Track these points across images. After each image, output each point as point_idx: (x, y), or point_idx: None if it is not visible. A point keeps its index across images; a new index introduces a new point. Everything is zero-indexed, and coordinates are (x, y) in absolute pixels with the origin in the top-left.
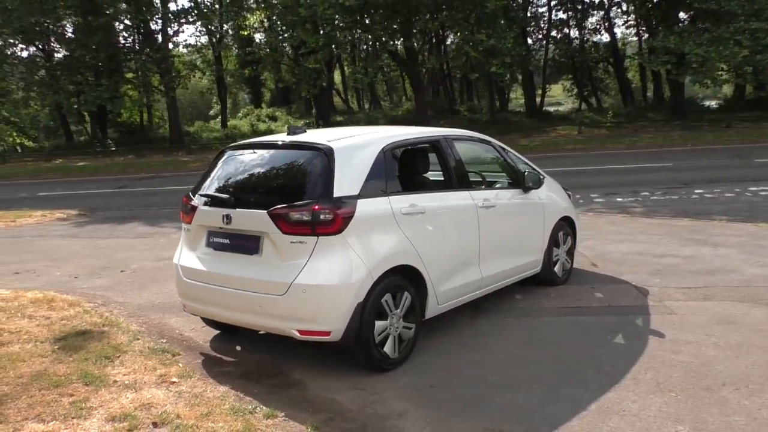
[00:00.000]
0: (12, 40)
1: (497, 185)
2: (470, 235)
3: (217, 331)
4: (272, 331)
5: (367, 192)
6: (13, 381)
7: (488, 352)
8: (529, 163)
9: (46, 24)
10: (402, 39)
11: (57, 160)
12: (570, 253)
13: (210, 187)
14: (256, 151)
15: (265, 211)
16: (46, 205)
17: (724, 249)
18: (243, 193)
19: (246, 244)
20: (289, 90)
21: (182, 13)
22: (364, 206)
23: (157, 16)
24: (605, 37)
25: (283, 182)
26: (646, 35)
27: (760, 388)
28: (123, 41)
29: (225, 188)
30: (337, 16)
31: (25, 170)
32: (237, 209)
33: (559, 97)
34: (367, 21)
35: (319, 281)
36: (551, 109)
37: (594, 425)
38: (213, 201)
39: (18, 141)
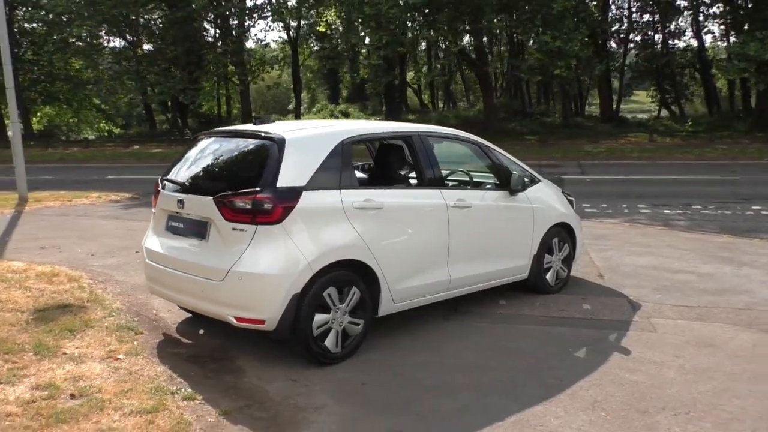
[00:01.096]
0: (96, 31)
1: (481, 186)
2: (438, 235)
3: (189, 314)
4: (214, 317)
5: (316, 184)
6: None
7: (443, 355)
8: (524, 166)
9: (133, 18)
10: (470, 39)
11: (134, 146)
12: (567, 261)
13: (174, 172)
14: (221, 138)
15: (212, 198)
16: (110, 187)
17: (748, 269)
18: (198, 179)
19: (196, 229)
20: (364, 87)
21: (256, 8)
22: (309, 198)
23: (233, 11)
24: (693, 42)
25: (235, 170)
26: (733, 40)
27: (701, 416)
28: (205, 34)
29: (184, 173)
30: (401, 15)
31: (103, 155)
32: (189, 194)
33: (647, 104)
34: (432, 19)
35: (255, 270)
36: (629, 115)
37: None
38: (171, 186)
39: (107, 128)
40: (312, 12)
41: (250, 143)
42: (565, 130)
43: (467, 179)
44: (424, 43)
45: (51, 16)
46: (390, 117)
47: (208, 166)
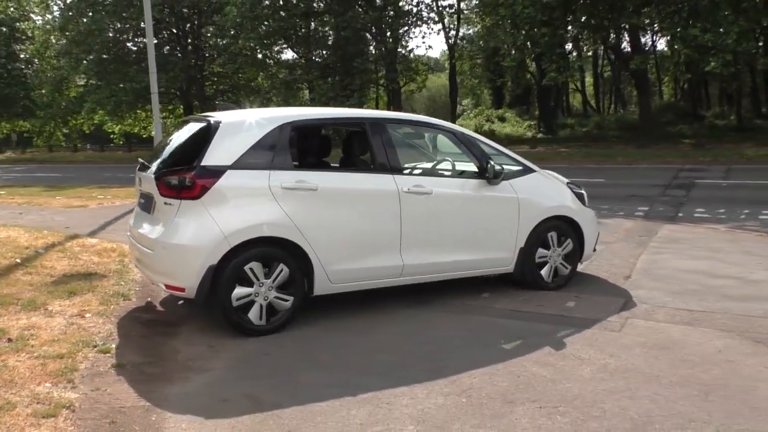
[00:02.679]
0: (253, 44)
1: (452, 174)
2: (387, 220)
3: None
4: (154, 283)
5: (243, 164)
6: None
7: (367, 338)
8: (514, 155)
9: (296, 30)
10: (615, 36)
11: None
12: (570, 257)
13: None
14: (186, 123)
15: (153, 175)
16: None
17: None
18: (154, 159)
19: (148, 204)
20: (527, 91)
21: (411, 14)
22: (232, 177)
23: (388, 16)
24: None
25: (179, 150)
26: None
27: (566, 412)
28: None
29: (152, 155)
30: (537, 14)
31: None
32: (144, 173)
33: None
34: (568, 19)
35: (174, 240)
36: None
37: (340, 408)
38: (140, 166)
39: None
40: (472, 16)
41: (198, 127)
42: (737, 133)
43: (447, 167)
44: (569, 44)
45: (223, 29)
46: (543, 121)
47: (165, 147)
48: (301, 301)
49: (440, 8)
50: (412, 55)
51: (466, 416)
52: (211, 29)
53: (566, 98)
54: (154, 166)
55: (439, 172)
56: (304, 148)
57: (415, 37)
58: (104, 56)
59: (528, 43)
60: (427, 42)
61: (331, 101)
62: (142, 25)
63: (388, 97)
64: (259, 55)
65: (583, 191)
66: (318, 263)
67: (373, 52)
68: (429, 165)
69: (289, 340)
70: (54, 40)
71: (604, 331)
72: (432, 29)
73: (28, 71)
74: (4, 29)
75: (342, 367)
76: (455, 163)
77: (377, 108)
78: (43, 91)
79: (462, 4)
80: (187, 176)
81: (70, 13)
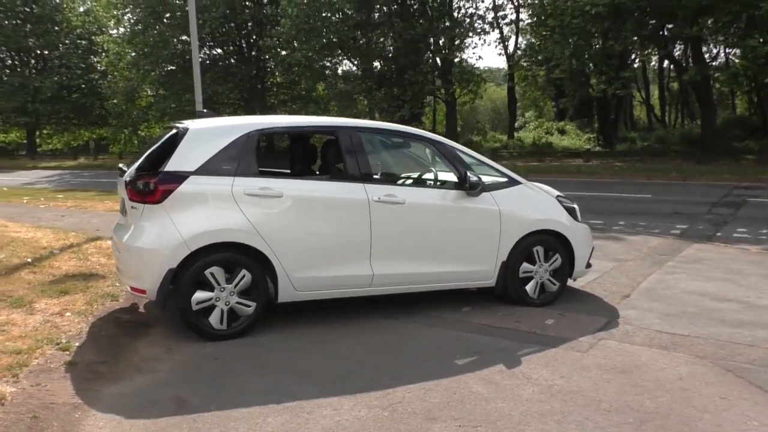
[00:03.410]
0: (309, 55)
1: (429, 184)
2: (356, 229)
3: None
4: (123, 285)
5: (207, 170)
6: None
7: (329, 346)
8: (499, 167)
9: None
10: (668, 47)
11: None
12: (558, 273)
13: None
14: (164, 130)
15: (125, 180)
16: None
17: None
18: (131, 164)
19: (123, 209)
20: (590, 104)
21: (462, 25)
22: (194, 182)
23: (444, 25)
24: None
25: (150, 156)
26: None
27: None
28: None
29: (131, 161)
30: (585, 25)
31: None
32: (121, 178)
33: None
34: (618, 29)
35: (137, 243)
36: None
37: (258, 415)
38: (119, 171)
39: None
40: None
41: (171, 133)
42: None
43: (429, 177)
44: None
45: (279, 41)
46: (602, 134)
47: (141, 153)
48: (264, 308)
49: (497, 18)
50: (465, 65)
51: (379, 431)
52: (268, 41)
53: (630, 111)
54: (129, 172)
55: (416, 182)
56: (291, 155)
57: (470, 47)
58: (169, 68)
59: (577, 54)
60: (481, 52)
61: (383, 111)
62: (203, 37)
63: (446, 109)
64: (316, 66)
65: (574, 205)
66: (282, 270)
67: (430, 62)
68: (408, 174)
69: (246, 346)
70: (125, 53)
71: (570, 351)
72: (484, 40)
73: (103, 82)
74: (83, 42)
75: (286, 375)
76: (439, 173)
77: (434, 119)
78: (115, 101)
79: (522, 14)
80: (150, 181)
81: (138, 27)
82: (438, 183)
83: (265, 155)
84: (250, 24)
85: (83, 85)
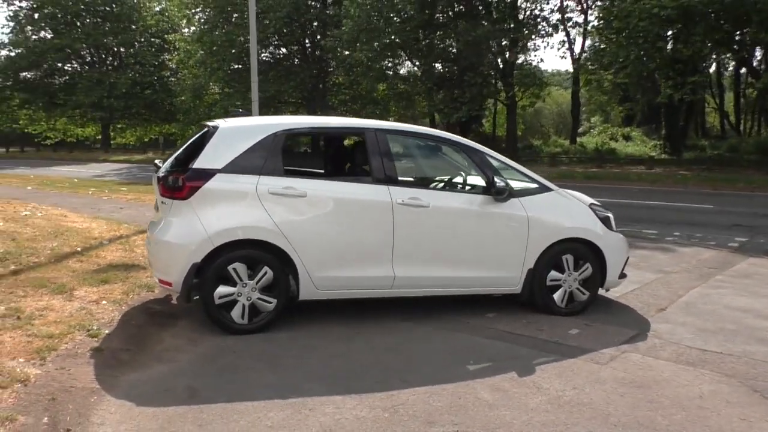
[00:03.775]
0: (369, 56)
1: (457, 188)
2: (378, 231)
3: None
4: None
5: (234, 168)
6: (25, 276)
7: (341, 346)
8: (529, 173)
9: (424, 42)
10: (737, 52)
11: None
12: (589, 283)
13: None
14: (197, 129)
15: (157, 176)
16: None
17: None
18: (166, 161)
19: (157, 204)
20: (659, 109)
21: (527, 26)
22: (220, 180)
23: (506, 29)
24: None
25: (183, 154)
26: None
27: None
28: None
29: (166, 158)
30: (652, 28)
31: None
32: (156, 174)
33: None
34: (687, 32)
35: (163, 237)
36: None
37: (261, 409)
38: (155, 167)
39: None
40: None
41: (203, 132)
42: None
43: (458, 181)
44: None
45: (340, 42)
46: (670, 141)
47: (176, 151)
48: (285, 305)
49: (563, 19)
50: (527, 67)
51: (380, 429)
52: (330, 41)
53: (702, 118)
54: (162, 168)
55: (442, 185)
56: (320, 156)
57: (532, 50)
58: (235, 66)
59: (642, 58)
60: (543, 55)
61: (440, 113)
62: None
63: (506, 112)
64: (377, 66)
65: (609, 214)
66: (303, 268)
67: (491, 64)
68: (435, 178)
69: (264, 341)
70: (194, 51)
71: (588, 362)
72: (547, 42)
73: (174, 79)
74: (156, 41)
75: (297, 372)
76: (467, 178)
77: (494, 121)
78: (183, 98)
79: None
80: (179, 177)
81: (206, 27)
82: (465, 187)
83: (293, 155)
84: (315, 24)
85: (155, 82)
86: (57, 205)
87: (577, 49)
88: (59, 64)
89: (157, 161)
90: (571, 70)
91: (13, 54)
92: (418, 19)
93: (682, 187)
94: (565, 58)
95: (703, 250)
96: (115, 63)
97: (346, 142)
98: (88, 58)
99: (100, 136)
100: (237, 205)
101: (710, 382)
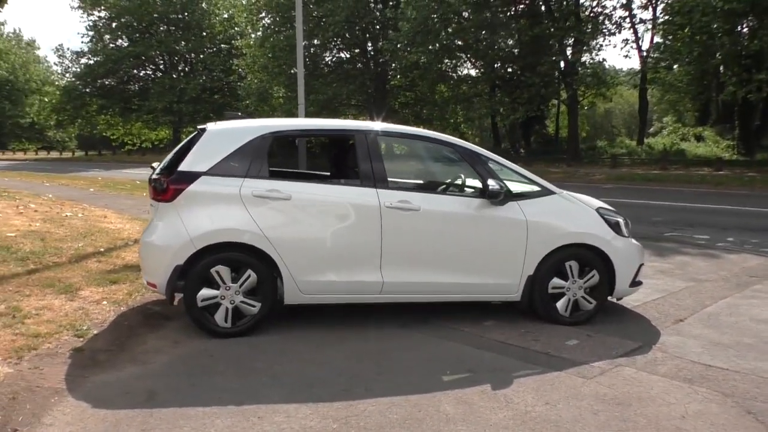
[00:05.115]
0: (425, 58)
1: (450, 191)
2: (366, 235)
3: None
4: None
5: (218, 171)
6: (41, 275)
7: (320, 352)
8: (531, 176)
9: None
10: None
11: None
12: (596, 291)
13: None
14: (191, 132)
15: (149, 178)
16: None
17: None
18: (159, 165)
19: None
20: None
21: (592, 23)
22: (204, 182)
23: (566, 28)
24: None
25: (174, 157)
26: None
27: None
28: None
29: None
30: (716, 22)
31: None
32: (149, 177)
33: None
34: (755, 26)
35: (149, 239)
36: None
37: (210, 415)
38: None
39: None
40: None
41: (194, 134)
42: None
43: (457, 184)
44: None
45: (397, 44)
46: (743, 141)
47: (169, 154)
48: (269, 308)
49: (631, 16)
50: (590, 66)
51: None
52: (386, 44)
53: None
54: (156, 171)
55: (435, 188)
56: (313, 157)
57: (595, 48)
58: (295, 70)
59: (706, 54)
60: (605, 54)
61: (497, 114)
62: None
63: (568, 113)
64: (434, 68)
65: (619, 219)
66: (287, 272)
67: (550, 64)
68: (428, 181)
69: (243, 345)
70: (260, 56)
71: (573, 376)
72: (609, 41)
73: (241, 84)
74: (225, 46)
75: (262, 377)
76: (463, 180)
77: (557, 122)
78: (248, 102)
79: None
80: (164, 180)
81: (269, 31)
82: (459, 190)
83: (280, 157)
84: (377, 27)
85: (223, 87)
86: (107, 206)
87: (643, 46)
88: (134, 71)
89: (154, 164)
90: (635, 68)
91: (91, 62)
92: (475, 20)
93: (748, 190)
94: (630, 57)
95: (751, 257)
96: (186, 69)
97: (336, 143)
98: (161, 65)
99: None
100: (220, 208)
101: (701, 401)
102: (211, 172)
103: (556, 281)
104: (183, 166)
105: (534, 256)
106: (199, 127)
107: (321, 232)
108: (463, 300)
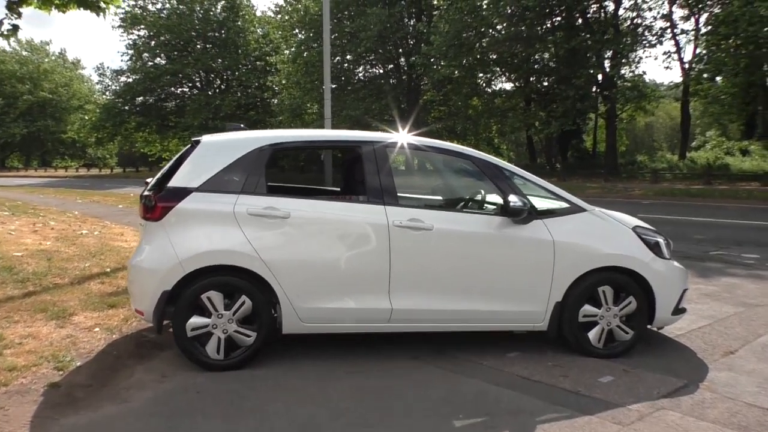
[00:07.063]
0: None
1: (468, 208)
2: (373, 257)
3: None
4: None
5: (211, 186)
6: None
7: (319, 388)
8: (560, 192)
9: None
10: None
11: None
12: (634, 320)
13: None
14: (186, 146)
15: (140, 195)
16: None
17: None
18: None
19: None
20: None
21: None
22: (195, 200)
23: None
24: None
25: (167, 172)
26: None
27: None
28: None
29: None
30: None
31: None
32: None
33: None
34: None
35: (134, 262)
36: None
37: None
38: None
39: None
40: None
41: (188, 147)
42: None
43: (465, 201)
44: None
45: (430, 58)
46: None
47: (163, 169)
48: (266, 338)
49: (672, 26)
50: (629, 78)
51: None
52: (417, 58)
53: None
54: (148, 187)
55: (450, 205)
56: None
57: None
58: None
59: (753, 65)
60: (645, 66)
61: (531, 127)
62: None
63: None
64: (467, 82)
65: (660, 239)
66: (285, 298)
67: (586, 77)
68: (443, 197)
69: (234, 380)
70: (293, 71)
71: (607, 422)
72: (650, 53)
73: (275, 100)
74: (259, 63)
75: (251, 418)
76: (482, 197)
77: (594, 136)
78: (281, 118)
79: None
80: (151, 197)
81: (302, 47)
82: (477, 207)
83: (280, 171)
84: (410, 41)
85: (258, 104)
86: (129, 223)
87: (685, 57)
88: (171, 88)
89: (148, 179)
90: (676, 81)
91: (130, 80)
92: (509, 33)
93: None
94: (670, 68)
95: None
96: (222, 86)
97: (341, 156)
98: (198, 82)
99: None
100: (212, 228)
101: None
102: (204, 188)
103: (587, 308)
104: (173, 182)
105: (562, 281)
106: (193, 139)
107: (322, 254)
108: (484, 329)
